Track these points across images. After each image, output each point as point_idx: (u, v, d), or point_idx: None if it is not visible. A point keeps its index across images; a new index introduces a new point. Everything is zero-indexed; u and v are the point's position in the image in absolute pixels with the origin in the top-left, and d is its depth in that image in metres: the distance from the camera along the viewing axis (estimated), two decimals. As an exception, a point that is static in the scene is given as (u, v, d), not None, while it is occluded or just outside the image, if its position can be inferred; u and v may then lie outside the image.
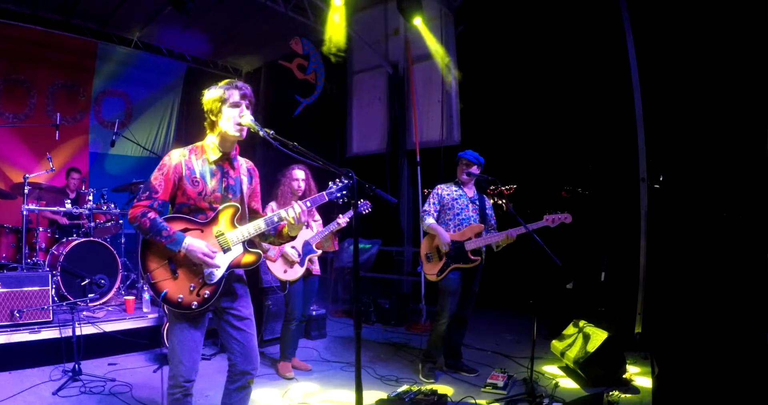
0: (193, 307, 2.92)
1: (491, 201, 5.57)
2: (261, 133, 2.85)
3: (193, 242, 2.86)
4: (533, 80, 7.63)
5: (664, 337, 5.93)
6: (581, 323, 5.40)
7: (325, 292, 8.35)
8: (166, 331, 3.12)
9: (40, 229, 6.92)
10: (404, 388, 4.49)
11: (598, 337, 4.92)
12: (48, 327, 5.22)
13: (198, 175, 3.04)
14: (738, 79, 5.84)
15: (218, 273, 2.96)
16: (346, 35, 8.52)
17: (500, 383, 4.77)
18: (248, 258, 3.07)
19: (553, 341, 5.58)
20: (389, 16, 8.48)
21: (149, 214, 2.90)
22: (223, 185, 3.12)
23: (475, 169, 5.22)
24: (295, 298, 5.19)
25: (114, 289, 6.56)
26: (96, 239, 6.61)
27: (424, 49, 7.99)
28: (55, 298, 5.77)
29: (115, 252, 6.68)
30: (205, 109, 3.08)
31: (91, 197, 6.89)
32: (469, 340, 5.99)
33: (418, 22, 7.37)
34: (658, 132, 6.46)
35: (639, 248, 6.34)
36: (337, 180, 3.03)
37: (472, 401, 4.41)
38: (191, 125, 11.23)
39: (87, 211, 6.83)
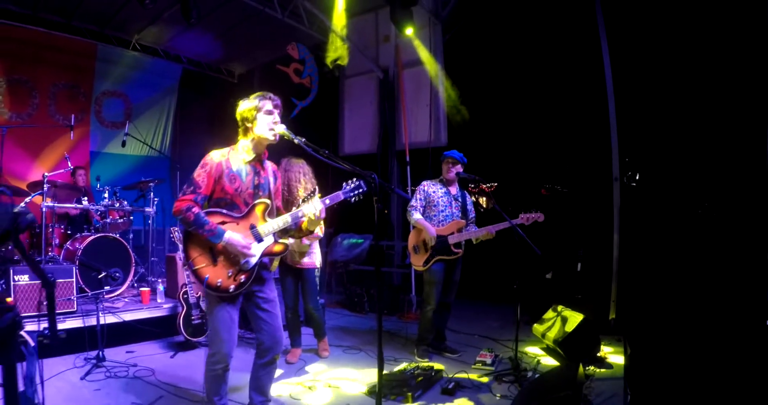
0: (231, 290, 3.39)
1: (473, 198, 6.22)
2: (296, 140, 3.36)
3: (233, 236, 3.34)
4: (515, 85, 8.15)
5: (635, 321, 6.60)
6: (559, 308, 6.00)
7: (320, 284, 8.93)
8: (207, 313, 3.69)
9: (54, 225, 7.26)
10: (404, 365, 5.18)
11: (575, 318, 5.54)
12: (72, 317, 5.63)
13: (235, 173, 3.50)
14: (711, 77, 6.33)
15: (253, 261, 3.45)
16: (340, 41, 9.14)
17: (488, 361, 5.42)
18: (278, 247, 3.57)
19: (534, 325, 6.17)
20: (380, 23, 9.00)
21: (193, 209, 3.33)
22: (255, 183, 3.59)
23: (459, 168, 5.79)
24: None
25: (128, 282, 7.00)
26: (110, 234, 7.01)
27: (414, 56, 8.58)
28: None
29: (128, 247, 7.10)
30: (241, 117, 3.57)
31: (106, 194, 7.29)
32: (457, 326, 6.62)
33: (410, 31, 7.90)
34: (633, 132, 7.03)
35: (612, 242, 6.96)
36: (350, 180, 3.48)
37: (465, 375, 5.06)
38: (187, 126, 11.70)
39: (102, 208, 7.21)
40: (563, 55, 7.73)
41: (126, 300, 6.73)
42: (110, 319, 5.82)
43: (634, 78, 7.05)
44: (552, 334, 5.76)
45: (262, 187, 3.65)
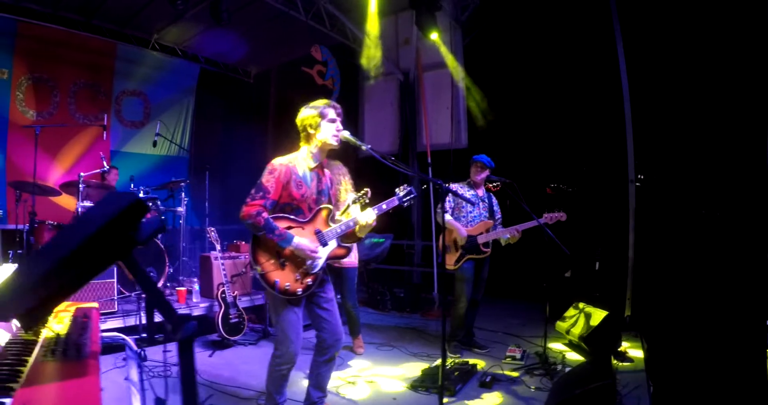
0: (299, 293, 3.58)
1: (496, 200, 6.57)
2: (364, 147, 3.61)
3: (301, 241, 3.52)
4: (533, 87, 8.42)
5: (650, 318, 6.96)
6: (581, 305, 6.36)
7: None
8: (272, 315, 3.90)
9: None
10: (439, 360, 5.53)
11: (599, 315, 5.89)
12: (113, 317, 5.83)
13: (302, 179, 3.68)
14: (722, 79, 6.58)
15: (319, 264, 3.65)
16: (360, 43, 9.44)
17: (518, 355, 5.76)
18: (340, 251, 3.80)
19: (558, 322, 6.50)
20: (400, 26, 9.26)
21: (263, 214, 3.47)
22: (319, 189, 3.78)
23: (487, 172, 6.12)
24: None
25: (161, 281, 7.23)
26: None
27: (434, 59, 8.88)
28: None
29: (162, 246, 7.29)
30: (303, 124, 3.73)
31: (141, 194, 7.40)
32: (481, 323, 6.92)
33: (434, 36, 8.17)
34: (642, 134, 7.32)
35: (628, 242, 7.29)
36: (402, 186, 3.73)
37: (498, 370, 5.41)
38: (203, 125, 11.89)
39: None
40: (579, 58, 8.00)
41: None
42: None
43: (648, 79, 7.33)
44: (576, 330, 6.08)
45: (324, 193, 3.83)
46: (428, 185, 3.84)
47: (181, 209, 7.68)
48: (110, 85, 10.40)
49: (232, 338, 6.14)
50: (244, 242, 7.94)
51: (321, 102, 3.80)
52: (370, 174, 7.68)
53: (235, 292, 6.28)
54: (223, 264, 6.50)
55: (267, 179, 3.62)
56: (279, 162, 3.70)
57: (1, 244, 8.21)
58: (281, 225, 3.56)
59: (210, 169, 8.63)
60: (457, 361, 5.50)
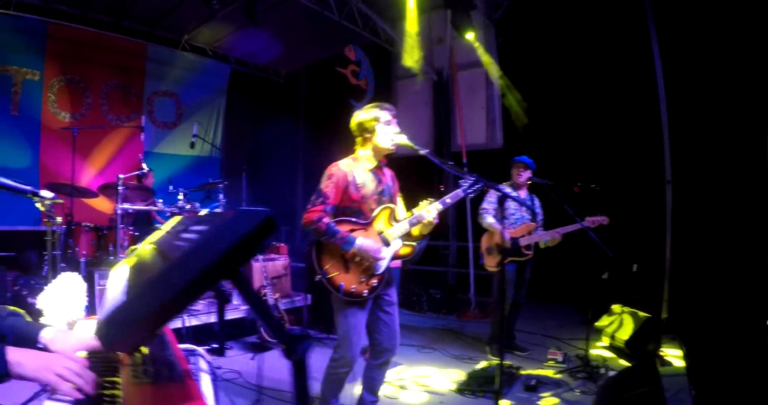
0: (364, 295, 3.61)
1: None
2: (422, 152, 3.70)
3: (364, 242, 3.54)
4: (567, 85, 8.46)
5: (688, 320, 7.04)
6: (621, 307, 6.46)
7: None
8: (335, 318, 3.93)
9: (121, 226, 7.33)
10: (484, 363, 5.66)
11: (639, 318, 5.98)
12: None
13: (361, 182, 3.72)
14: (760, 77, 6.47)
15: (383, 265, 3.68)
16: (392, 42, 9.58)
17: (560, 358, 5.86)
18: (405, 250, 3.81)
19: (597, 324, 6.57)
20: (432, 25, 9.30)
21: (324, 219, 3.53)
22: (379, 190, 3.81)
23: (529, 173, 6.19)
24: None
25: None
26: None
27: (468, 58, 8.96)
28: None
29: None
30: (359, 127, 3.81)
31: (181, 196, 7.44)
32: (519, 325, 7.01)
33: (470, 36, 8.27)
34: (678, 133, 7.40)
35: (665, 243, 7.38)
36: (466, 178, 3.77)
37: (541, 372, 5.54)
38: (233, 126, 12.07)
39: (177, 210, 7.36)
40: (614, 57, 8.03)
41: (203, 302, 6.97)
42: (193, 321, 6.16)
43: (683, 78, 7.33)
44: (616, 333, 6.15)
45: (384, 193, 3.86)
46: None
47: (219, 211, 7.61)
48: (141, 86, 10.60)
49: (273, 341, 6.20)
50: (283, 244, 8.06)
51: (376, 105, 3.88)
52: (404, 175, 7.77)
53: (276, 295, 6.42)
54: (264, 266, 6.66)
55: (326, 185, 3.68)
56: (336, 167, 3.75)
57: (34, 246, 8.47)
58: (343, 228, 3.60)
59: (247, 170, 8.73)
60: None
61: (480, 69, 8.93)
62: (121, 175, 6.93)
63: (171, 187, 7.91)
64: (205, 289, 1.15)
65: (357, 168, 3.80)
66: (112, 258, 7.32)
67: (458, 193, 3.79)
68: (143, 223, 8.06)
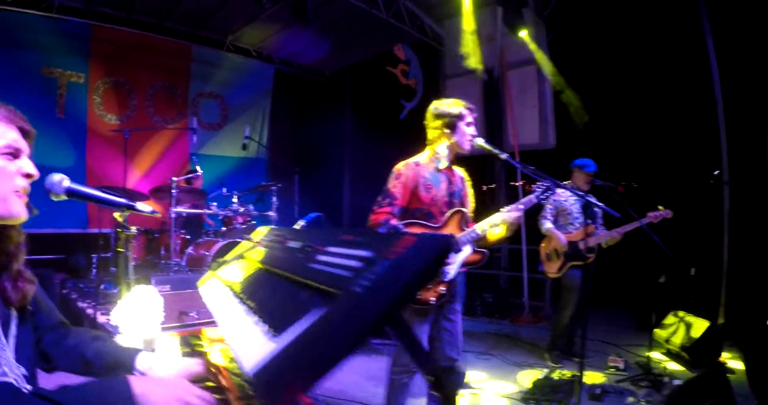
0: (431, 301, 3.44)
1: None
2: (502, 156, 3.65)
3: None
4: (619, 84, 8.35)
5: (747, 326, 6.93)
6: (681, 313, 6.36)
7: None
8: None
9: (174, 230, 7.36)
10: (546, 371, 5.61)
11: (701, 324, 5.90)
12: (215, 325, 6.07)
13: (430, 182, 3.60)
14: None
15: (452, 271, 3.51)
16: (439, 40, 9.57)
17: (621, 365, 5.78)
18: (475, 257, 3.64)
19: (656, 330, 6.45)
20: (481, 23, 9.14)
21: (391, 221, 3.45)
22: (449, 191, 3.68)
23: (591, 177, 6.07)
24: None
25: None
26: (238, 239, 7.01)
27: (518, 56, 8.87)
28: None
29: None
30: (437, 124, 3.69)
31: (235, 199, 7.54)
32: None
33: (523, 33, 8.23)
34: (735, 132, 7.29)
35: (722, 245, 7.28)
36: (539, 183, 3.74)
37: (605, 381, 5.46)
38: (277, 127, 12.21)
39: (231, 213, 7.46)
40: (667, 53, 7.93)
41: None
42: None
43: (739, 75, 7.20)
44: (677, 339, 6.09)
45: (455, 195, 3.73)
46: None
47: (272, 213, 7.72)
48: (186, 87, 10.82)
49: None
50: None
51: (459, 103, 3.76)
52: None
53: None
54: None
55: (393, 185, 3.60)
56: (404, 165, 3.67)
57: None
58: (413, 231, 3.49)
59: (299, 172, 8.81)
60: (563, 372, 5.58)
61: (531, 67, 8.86)
62: (174, 178, 6.98)
63: (225, 190, 7.96)
64: (384, 328, 1.03)
65: (426, 167, 3.70)
66: (164, 261, 7.45)
67: (531, 199, 3.73)
68: (194, 227, 8.15)
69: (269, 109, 12.07)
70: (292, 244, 1.83)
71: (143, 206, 2.16)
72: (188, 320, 5.48)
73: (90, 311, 6.14)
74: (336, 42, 10.65)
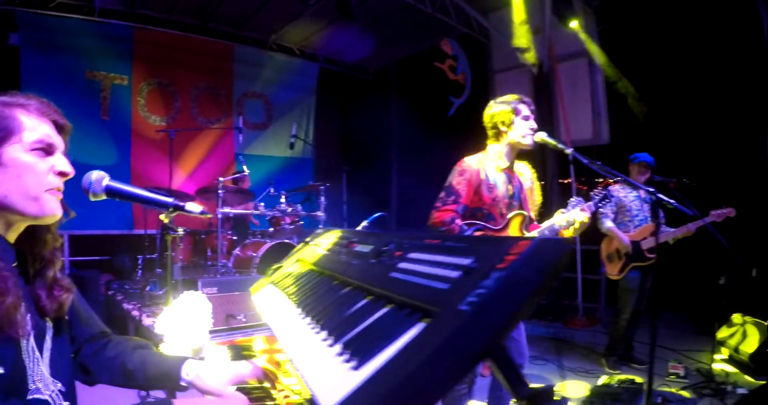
0: None
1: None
2: (567, 151, 3.55)
3: None
4: (670, 77, 8.19)
5: None
6: (743, 317, 6.16)
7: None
8: None
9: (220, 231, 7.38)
10: (605, 378, 5.45)
11: (765, 328, 5.69)
12: (261, 330, 5.53)
13: (492, 182, 3.55)
14: None
15: None
16: (485, 34, 9.46)
17: (681, 373, 5.60)
18: None
19: (717, 334, 6.27)
20: (528, 15, 8.99)
21: (456, 221, 3.38)
22: (510, 193, 3.63)
23: (650, 173, 5.97)
24: None
25: None
26: (286, 240, 7.24)
27: (568, 48, 8.73)
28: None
29: None
30: (494, 121, 3.62)
31: (283, 199, 7.57)
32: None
33: (574, 24, 8.10)
34: None
35: None
36: (596, 190, 3.67)
37: (667, 388, 5.33)
38: (322, 126, 12.24)
39: (279, 213, 7.47)
40: (723, 44, 7.72)
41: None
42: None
43: None
44: (739, 345, 5.91)
45: (515, 197, 3.68)
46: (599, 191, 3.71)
47: (321, 213, 7.70)
48: (230, 87, 10.94)
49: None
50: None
51: (513, 97, 3.68)
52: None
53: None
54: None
55: (458, 181, 3.52)
56: (468, 162, 3.60)
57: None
58: (475, 233, 3.45)
59: (347, 171, 8.80)
60: (621, 378, 5.43)
61: (582, 59, 8.70)
62: (221, 178, 7.02)
63: (272, 190, 8.01)
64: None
65: (488, 166, 3.63)
66: (210, 263, 7.55)
67: (590, 205, 3.62)
68: (240, 227, 8.20)
69: (314, 107, 12.12)
70: (361, 248, 1.67)
71: (193, 206, 2.09)
72: (235, 323, 5.47)
73: (135, 313, 6.23)
74: (380, 38, 10.62)
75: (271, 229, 7.93)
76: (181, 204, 2.04)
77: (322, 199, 7.74)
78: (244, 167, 8.04)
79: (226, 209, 7.17)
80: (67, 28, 9.04)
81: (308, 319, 1.42)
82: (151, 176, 9.52)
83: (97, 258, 9.05)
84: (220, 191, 6.93)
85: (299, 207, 7.75)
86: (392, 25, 10.10)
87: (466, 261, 1.01)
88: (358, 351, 1.00)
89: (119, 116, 9.71)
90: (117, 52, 9.65)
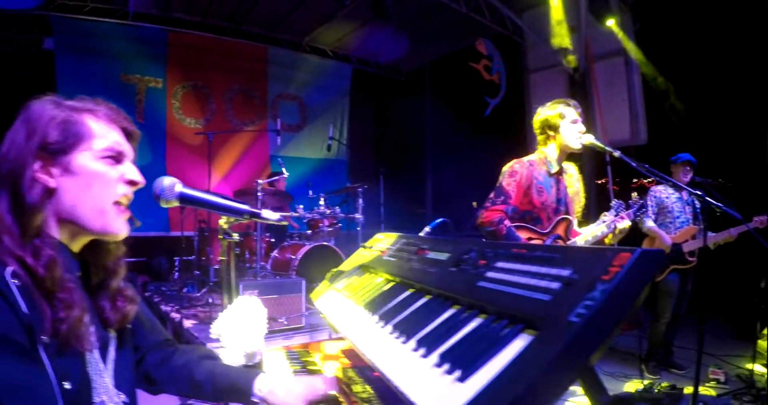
0: None
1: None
2: (616, 154, 3.53)
3: None
4: (708, 75, 8.07)
5: None
6: None
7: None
8: None
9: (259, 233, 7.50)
10: (645, 383, 5.53)
11: None
12: (300, 333, 5.76)
13: (542, 186, 3.61)
14: None
15: None
16: (519, 34, 9.48)
17: (722, 378, 5.57)
18: None
19: (759, 340, 6.13)
20: (564, 15, 9.05)
21: (505, 222, 3.42)
22: (558, 198, 3.69)
23: (692, 173, 5.95)
24: None
25: None
26: (324, 243, 7.30)
27: (604, 47, 8.70)
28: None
29: (342, 255, 7.23)
30: (542, 125, 3.71)
31: (322, 202, 7.60)
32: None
33: (611, 22, 8.08)
34: None
35: None
36: (633, 199, 3.72)
37: (705, 392, 5.32)
38: (359, 128, 12.39)
39: (318, 216, 7.50)
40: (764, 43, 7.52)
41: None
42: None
43: None
44: (780, 350, 5.78)
45: (562, 202, 3.74)
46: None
47: (359, 216, 7.68)
48: (265, 89, 11.12)
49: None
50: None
51: (560, 101, 3.76)
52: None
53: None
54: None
55: (508, 182, 3.59)
56: (520, 164, 3.66)
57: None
58: (522, 236, 3.50)
59: (384, 173, 8.83)
60: (661, 384, 5.47)
61: (618, 58, 8.65)
62: (259, 180, 7.06)
63: (311, 192, 8.04)
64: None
65: (539, 169, 3.69)
66: (248, 265, 7.62)
67: (630, 213, 3.68)
68: (278, 230, 8.21)
69: (348, 109, 12.27)
70: (435, 255, 1.64)
71: (269, 214, 1.97)
72: (277, 326, 5.56)
73: (175, 315, 6.32)
74: (414, 39, 10.68)
75: (309, 232, 7.97)
76: (257, 211, 1.94)
77: (360, 201, 7.74)
78: (283, 169, 8.07)
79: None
80: (101, 33, 9.27)
81: (389, 328, 1.40)
82: (188, 179, 9.42)
83: (134, 259, 9.10)
84: (259, 194, 6.95)
85: (337, 209, 7.77)
86: (426, 26, 10.16)
87: (564, 272, 1.03)
88: (460, 362, 1.00)
89: (154, 119, 9.93)
90: (151, 55, 9.86)
